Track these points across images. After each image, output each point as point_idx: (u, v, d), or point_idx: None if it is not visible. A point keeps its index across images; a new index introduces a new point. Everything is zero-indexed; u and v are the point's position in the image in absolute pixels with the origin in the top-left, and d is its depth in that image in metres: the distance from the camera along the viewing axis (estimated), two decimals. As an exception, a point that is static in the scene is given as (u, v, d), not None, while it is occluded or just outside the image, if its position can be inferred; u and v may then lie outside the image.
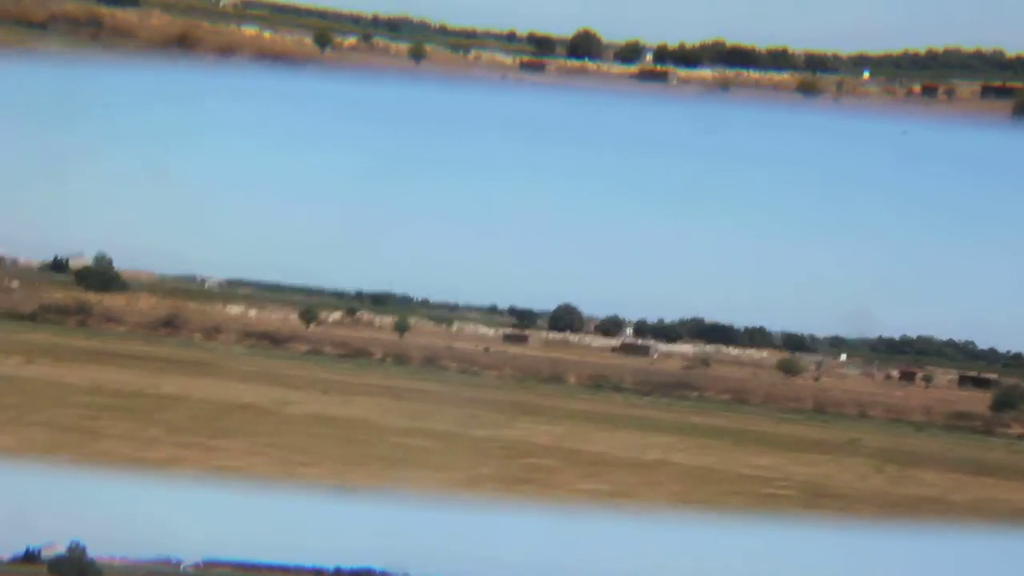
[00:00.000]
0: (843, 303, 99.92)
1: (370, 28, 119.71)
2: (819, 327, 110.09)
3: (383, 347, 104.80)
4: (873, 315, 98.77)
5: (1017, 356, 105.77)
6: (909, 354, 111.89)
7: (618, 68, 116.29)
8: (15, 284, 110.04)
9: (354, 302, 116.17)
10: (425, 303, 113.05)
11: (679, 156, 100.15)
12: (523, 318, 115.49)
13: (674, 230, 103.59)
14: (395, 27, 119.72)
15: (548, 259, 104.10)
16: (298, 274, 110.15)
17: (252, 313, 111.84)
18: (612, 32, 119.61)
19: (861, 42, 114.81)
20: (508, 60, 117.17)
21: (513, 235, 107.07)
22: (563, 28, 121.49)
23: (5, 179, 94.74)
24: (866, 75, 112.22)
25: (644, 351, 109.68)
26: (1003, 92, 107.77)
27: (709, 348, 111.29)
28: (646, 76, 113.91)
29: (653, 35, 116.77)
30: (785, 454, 79.18)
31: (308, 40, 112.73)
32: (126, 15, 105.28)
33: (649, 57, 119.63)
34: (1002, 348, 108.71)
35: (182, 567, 67.55)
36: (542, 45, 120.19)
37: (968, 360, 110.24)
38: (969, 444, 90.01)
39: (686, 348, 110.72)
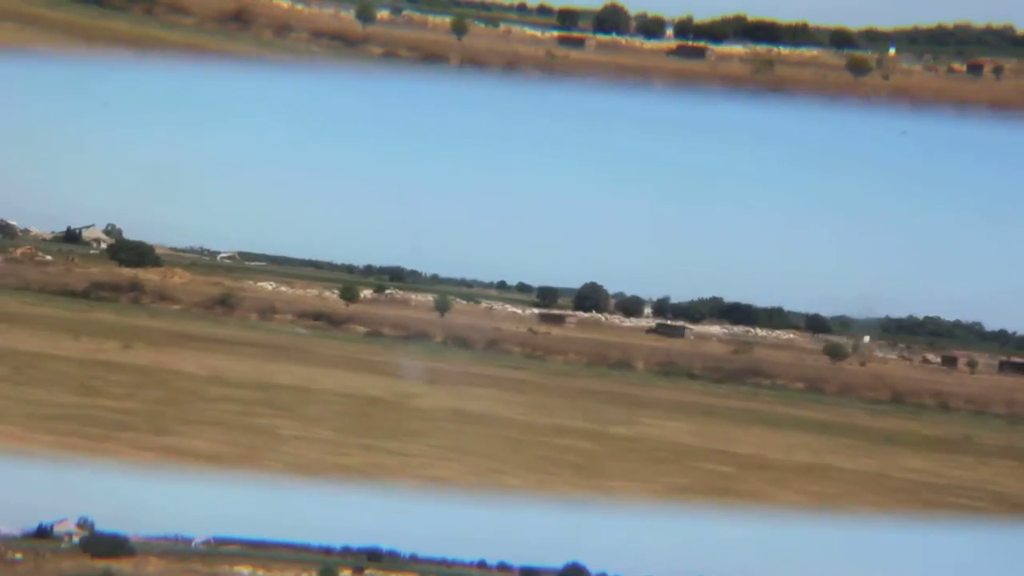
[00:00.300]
0: (853, 284, 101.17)
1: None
2: (825, 308, 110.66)
3: (440, 328, 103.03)
4: (877, 296, 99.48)
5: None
6: (921, 335, 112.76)
7: (651, 44, 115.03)
8: (48, 258, 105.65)
9: (364, 277, 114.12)
10: (435, 279, 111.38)
11: (723, 141, 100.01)
12: (545, 296, 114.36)
13: (694, 211, 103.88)
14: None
15: (558, 236, 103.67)
16: (307, 248, 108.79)
17: (284, 290, 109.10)
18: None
19: (869, 17, 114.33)
20: (538, 34, 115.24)
21: (526, 212, 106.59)
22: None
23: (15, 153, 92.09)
24: (892, 52, 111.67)
25: (679, 332, 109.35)
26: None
27: (737, 329, 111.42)
28: (684, 52, 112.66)
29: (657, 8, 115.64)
30: (930, 455, 79.48)
31: (344, 14, 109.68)
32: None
33: (670, 32, 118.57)
34: (1010, 329, 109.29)
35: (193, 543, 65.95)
36: (567, 18, 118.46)
37: (983, 342, 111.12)
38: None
39: (714, 329, 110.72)
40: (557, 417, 79.73)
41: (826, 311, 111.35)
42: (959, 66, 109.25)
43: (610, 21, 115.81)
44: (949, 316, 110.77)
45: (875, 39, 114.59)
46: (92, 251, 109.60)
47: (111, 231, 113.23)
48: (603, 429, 77.72)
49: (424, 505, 58.53)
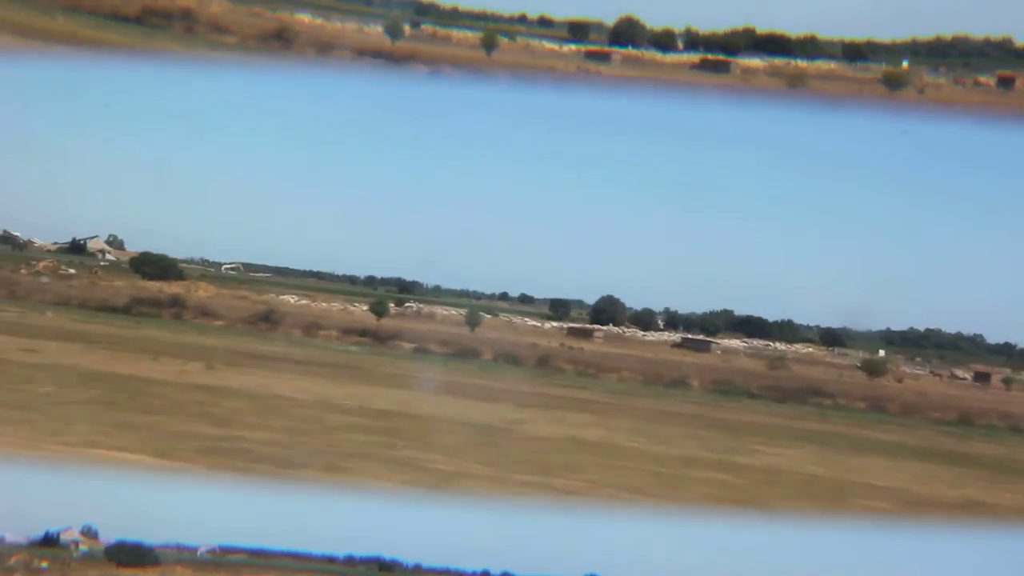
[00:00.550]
0: (850, 296, 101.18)
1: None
2: (827, 320, 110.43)
3: (485, 345, 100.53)
4: (874, 308, 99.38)
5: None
6: (926, 348, 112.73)
7: (670, 57, 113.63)
8: (72, 272, 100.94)
9: (368, 288, 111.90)
10: (437, 290, 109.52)
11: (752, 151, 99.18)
12: (557, 308, 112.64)
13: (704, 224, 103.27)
14: (423, 12, 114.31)
15: (570, 247, 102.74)
16: (309, 260, 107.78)
17: (307, 303, 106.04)
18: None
19: (868, 29, 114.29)
20: (556, 47, 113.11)
21: (533, 226, 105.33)
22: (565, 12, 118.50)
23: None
24: (905, 64, 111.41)
25: (705, 347, 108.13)
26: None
27: (756, 343, 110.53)
28: (707, 66, 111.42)
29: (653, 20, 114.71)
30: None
31: (368, 29, 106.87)
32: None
33: (680, 44, 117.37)
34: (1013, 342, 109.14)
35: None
36: (578, 31, 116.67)
37: (990, 355, 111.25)
38: None
39: (735, 343, 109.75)
40: (673, 447, 77.10)
41: (827, 323, 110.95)
42: (986, 79, 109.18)
43: (626, 34, 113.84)
44: (949, 328, 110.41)
45: (876, 51, 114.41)
46: (101, 263, 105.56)
47: (113, 241, 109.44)
48: (728, 459, 75.12)
49: (428, 513, 56.03)
